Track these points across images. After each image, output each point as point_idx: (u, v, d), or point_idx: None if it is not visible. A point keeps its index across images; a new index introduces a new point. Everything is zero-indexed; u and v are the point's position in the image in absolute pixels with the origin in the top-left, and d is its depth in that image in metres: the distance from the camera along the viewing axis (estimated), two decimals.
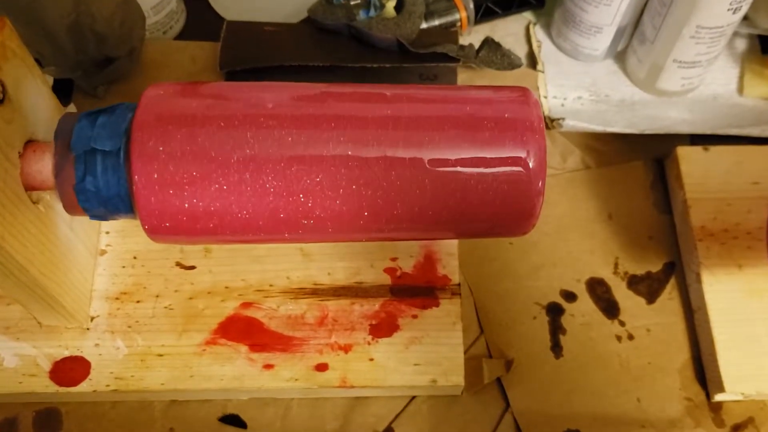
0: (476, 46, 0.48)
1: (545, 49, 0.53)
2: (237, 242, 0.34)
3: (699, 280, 0.43)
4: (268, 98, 0.32)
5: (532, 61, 0.52)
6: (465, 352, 0.42)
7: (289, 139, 0.31)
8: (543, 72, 0.51)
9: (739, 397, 0.42)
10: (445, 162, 0.31)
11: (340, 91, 0.33)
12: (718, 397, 0.42)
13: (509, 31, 0.55)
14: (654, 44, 0.48)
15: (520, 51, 0.53)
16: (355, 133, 0.31)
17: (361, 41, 0.48)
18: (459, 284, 0.42)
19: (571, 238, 0.46)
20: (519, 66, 0.48)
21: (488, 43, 0.47)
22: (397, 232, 0.33)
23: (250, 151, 0.30)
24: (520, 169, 0.31)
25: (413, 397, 0.42)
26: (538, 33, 0.54)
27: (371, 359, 0.40)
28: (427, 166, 0.31)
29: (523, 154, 0.31)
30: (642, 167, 0.49)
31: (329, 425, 0.41)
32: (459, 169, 0.31)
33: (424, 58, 0.47)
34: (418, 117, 0.32)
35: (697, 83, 0.50)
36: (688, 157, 0.46)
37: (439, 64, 0.47)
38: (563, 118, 0.47)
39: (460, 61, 0.47)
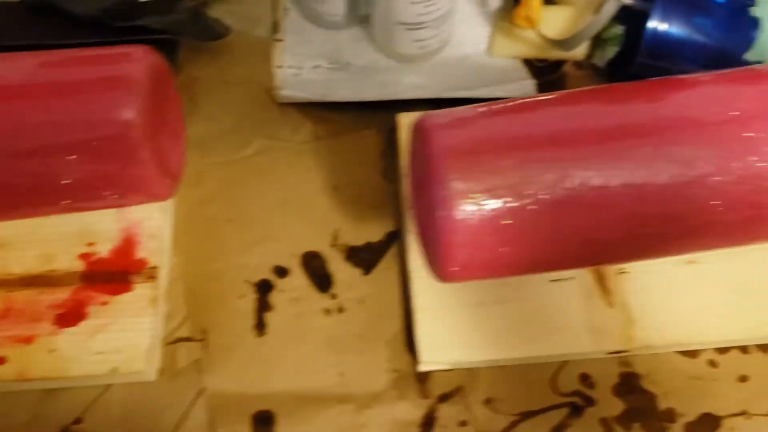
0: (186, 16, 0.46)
1: (293, 17, 0.51)
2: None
3: (409, 249, 0.42)
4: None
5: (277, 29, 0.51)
6: (169, 336, 0.41)
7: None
8: (282, 41, 0.50)
9: (441, 367, 0.41)
10: None
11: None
12: (423, 367, 0.41)
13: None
14: (377, 7, 0.46)
15: (269, 19, 0.51)
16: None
17: (63, 15, 0.46)
18: (156, 267, 0.41)
19: (292, 212, 0.45)
20: (223, 36, 0.46)
21: (192, 12, 0.45)
22: None
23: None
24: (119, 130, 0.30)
25: (110, 386, 0.41)
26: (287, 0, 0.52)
27: (53, 350, 0.39)
28: None
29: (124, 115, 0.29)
30: (375, 136, 0.47)
31: (17, 419, 0.40)
32: None
33: (129, 33, 0.45)
34: None
35: (436, 44, 0.49)
36: (407, 124, 0.45)
37: (151, 37, 0.45)
38: (281, 88, 0.46)
39: (166, 35, 0.45)
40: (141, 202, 0.34)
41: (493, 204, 0.28)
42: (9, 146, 0.30)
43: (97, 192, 0.32)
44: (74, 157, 0.30)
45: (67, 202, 0.33)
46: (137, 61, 0.31)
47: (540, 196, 0.28)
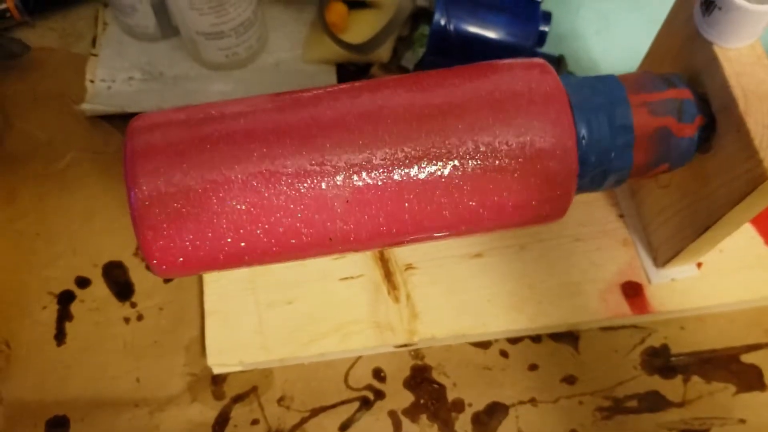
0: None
1: (112, 31, 0.52)
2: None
3: None
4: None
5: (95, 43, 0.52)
6: None
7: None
8: (96, 55, 0.51)
9: (231, 369, 0.42)
10: None
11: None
12: (217, 370, 0.42)
13: (82, 15, 0.54)
14: (178, 18, 0.47)
15: (91, 35, 0.52)
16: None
17: None
18: None
19: (99, 223, 0.46)
20: (20, 55, 0.47)
21: None
22: None
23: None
24: None
25: None
26: (108, 14, 0.53)
27: None
28: None
29: None
30: None
31: None
32: None
33: None
34: None
35: (244, 52, 0.50)
36: None
37: None
38: (85, 102, 0.47)
39: None
40: None
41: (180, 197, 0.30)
42: None
43: None
44: None
45: None
46: None
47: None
